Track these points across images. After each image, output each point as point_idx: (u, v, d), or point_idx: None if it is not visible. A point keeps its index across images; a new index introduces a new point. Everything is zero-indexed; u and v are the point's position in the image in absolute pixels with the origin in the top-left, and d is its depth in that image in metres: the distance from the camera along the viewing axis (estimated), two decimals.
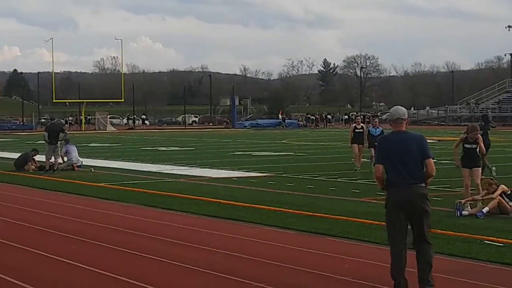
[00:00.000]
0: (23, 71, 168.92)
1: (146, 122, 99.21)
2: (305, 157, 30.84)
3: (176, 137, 55.81)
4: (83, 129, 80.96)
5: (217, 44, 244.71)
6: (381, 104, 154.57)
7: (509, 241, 10.63)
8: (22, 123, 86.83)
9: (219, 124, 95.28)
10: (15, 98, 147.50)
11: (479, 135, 14.28)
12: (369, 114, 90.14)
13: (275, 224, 12.60)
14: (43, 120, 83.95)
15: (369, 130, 23.71)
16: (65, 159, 25.08)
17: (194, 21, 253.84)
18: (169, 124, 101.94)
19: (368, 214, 13.38)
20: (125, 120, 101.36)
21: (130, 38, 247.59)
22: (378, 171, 7.82)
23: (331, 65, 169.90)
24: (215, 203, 15.51)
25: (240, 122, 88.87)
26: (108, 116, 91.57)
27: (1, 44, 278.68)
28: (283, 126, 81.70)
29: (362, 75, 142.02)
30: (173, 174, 22.98)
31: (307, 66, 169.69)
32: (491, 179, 14.03)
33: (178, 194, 17.05)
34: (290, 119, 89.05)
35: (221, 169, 24.49)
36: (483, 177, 14.66)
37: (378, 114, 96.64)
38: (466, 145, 14.08)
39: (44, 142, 24.66)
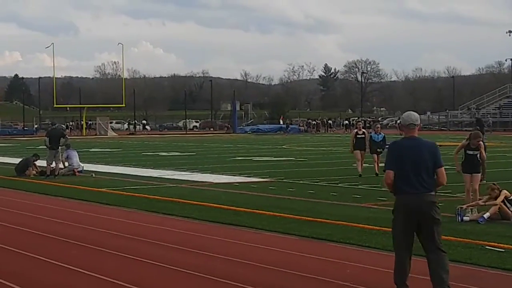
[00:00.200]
0: (24, 76, 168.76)
1: (147, 127, 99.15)
2: (306, 162, 30.83)
3: (177, 142, 55.83)
4: (84, 134, 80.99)
5: (217, 49, 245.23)
6: (382, 109, 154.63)
7: (511, 246, 10.62)
8: (23, 128, 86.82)
9: (220, 129, 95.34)
10: (16, 103, 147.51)
11: (481, 142, 14.39)
12: (370, 120, 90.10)
13: (276, 229, 12.59)
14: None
15: (371, 136, 23.67)
16: (66, 164, 25.09)
17: (194, 26, 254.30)
18: (170, 129, 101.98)
19: (369, 219, 13.37)
20: (126, 125, 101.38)
21: (130, 43, 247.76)
22: (388, 177, 7.63)
23: (332, 70, 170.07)
24: (216, 208, 15.50)
25: (241, 127, 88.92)
26: (114, 122, 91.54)
27: (2, 49, 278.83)
28: (285, 132, 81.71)
29: (363, 80, 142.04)
30: (174, 179, 22.98)
31: (308, 71, 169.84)
32: (494, 184, 14.04)
33: (179, 200, 17.05)
34: (291, 124, 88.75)
35: (222, 174, 24.49)
36: (484, 182, 14.70)
37: (379, 119, 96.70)
38: (468, 151, 14.16)
39: (45, 147, 24.68)
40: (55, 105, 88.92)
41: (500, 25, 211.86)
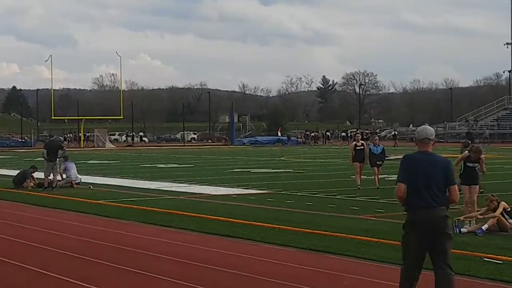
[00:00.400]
0: (22, 88, 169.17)
1: (145, 139, 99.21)
2: (304, 174, 30.84)
3: (175, 154, 55.82)
4: (82, 146, 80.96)
5: (215, 61, 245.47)
6: (380, 121, 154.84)
7: (509, 258, 10.62)
8: (21, 140, 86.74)
9: (218, 141, 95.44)
10: (14, 115, 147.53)
11: (482, 156, 14.55)
12: (368, 131, 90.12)
13: (274, 241, 12.58)
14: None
15: (370, 149, 23.61)
16: (64, 176, 25.08)
17: (193, 38, 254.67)
18: (168, 141, 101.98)
19: (367, 231, 13.36)
20: (123, 137, 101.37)
21: (129, 55, 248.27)
22: (400, 190, 7.48)
23: (330, 82, 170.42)
24: (214, 220, 15.49)
25: (239, 139, 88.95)
26: (117, 134, 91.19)
27: (0, 61, 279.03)
28: (283, 143, 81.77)
29: (361, 92, 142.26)
30: (172, 191, 22.96)
31: (306, 83, 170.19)
32: (492, 195, 14.07)
33: (177, 212, 17.03)
34: (289, 138, 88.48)
35: (220, 186, 24.48)
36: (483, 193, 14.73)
37: (377, 131, 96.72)
38: (468, 164, 14.23)
39: (42, 159, 24.67)
40: (53, 117, 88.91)
41: (498, 37, 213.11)
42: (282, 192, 22.00)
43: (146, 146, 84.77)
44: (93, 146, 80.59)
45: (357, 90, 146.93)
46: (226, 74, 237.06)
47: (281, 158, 47.11)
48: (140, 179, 28.45)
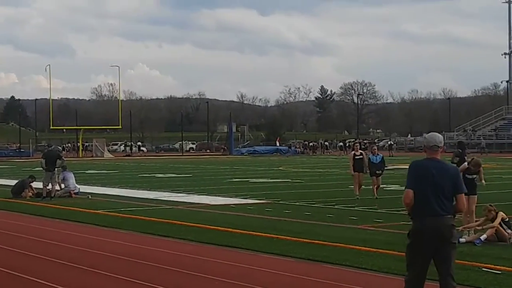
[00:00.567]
0: (20, 98, 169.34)
1: (143, 148, 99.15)
2: (302, 184, 30.83)
3: (173, 164, 55.82)
4: (81, 156, 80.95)
5: (214, 71, 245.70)
6: (378, 131, 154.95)
7: (507, 268, 10.62)
8: (18, 149, 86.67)
9: (216, 151, 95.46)
10: (12, 124, 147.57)
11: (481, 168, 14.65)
12: (366, 141, 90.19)
13: (272, 251, 12.57)
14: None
15: (369, 158, 23.56)
16: (62, 186, 25.07)
17: (191, 48, 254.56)
18: (166, 151, 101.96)
19: (365, 241, 13.36)
20: (122, 147, 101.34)
21: (127, 65, 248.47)
22: (407, 197, 7.31)
23: (328, 92, 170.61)
24: (213, 230, 15.48)
25: (237, 149, 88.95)
26: (119, 143, 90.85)
27: None
28: (282, 153, 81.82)
29: (359, 102, 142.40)
30: (170, 201, 22.96)
31: (304, 92, 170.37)
32: (490, 205, 14.09)
33: (176, 221, 17.03)
34: (290, 148, 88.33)
35: (219, 196, 24.48)
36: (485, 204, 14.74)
37: (375, 141, 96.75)
38: (467, 175, 14.22)
39: (41, 169, 24.67)
40: (51, 127, 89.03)
41: (495, 47, 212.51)
42: (281, 202, 22.00)
43: (145, 156, 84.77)
44: (92, 156, 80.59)
45: (355, 100, 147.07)
46: (225, 84, 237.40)
47: (280, 168, 47.12)
48: (139, 189, 28.45)
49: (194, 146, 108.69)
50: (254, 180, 33.94)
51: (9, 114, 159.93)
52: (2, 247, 13.62)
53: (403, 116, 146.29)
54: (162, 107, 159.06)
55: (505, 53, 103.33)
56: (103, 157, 79.41)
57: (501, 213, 13.71)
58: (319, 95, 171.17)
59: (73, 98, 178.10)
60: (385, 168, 24.45)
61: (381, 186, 23.63)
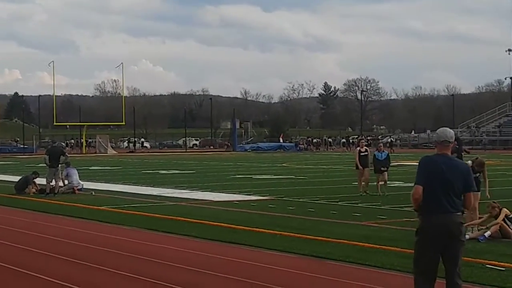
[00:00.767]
0: (24, 94, 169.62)
1: (146, 145, 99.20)
2: (306, 181, 30.82)
3: (177, 160, 55.84)
4: (84, 152, 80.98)
5: (217, 67, 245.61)
6: (381, 127, 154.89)
7: (511, 265, 10.60)
8: (22, 146, 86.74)
9: (219, 147, 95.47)
10: (16, 121, 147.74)
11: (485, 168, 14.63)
12: (369, 138, 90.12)
13: (275, 247, 12.57)
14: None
15: (374, 155, 23.50)
16: (66, 182, 25.10)
17: (194, 44, 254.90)
18: (170, 147, 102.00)
19: (369, 237, 13.35)
20: (125, 143, 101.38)
21: (130, 61, 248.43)
22: (417, 192, 7.13)
23: (332, 89, 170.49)
24: (216, 226, 15.49)
25: (241, 145, 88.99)
26: (127, 139, 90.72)
27: (1, 67, 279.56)
28: (285, 150, 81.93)
29: (362, 99, 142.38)
30: (174, 197, 22.96)
31: (308, 89, 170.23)
32: (494, 202, 14.07)
33: (179, 218, 17.03)
34: (297, 144, 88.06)
35: (222, 192, 24.48)
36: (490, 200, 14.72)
37: (379, 137, 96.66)
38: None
39: (44, 165, 24.70)
40: (55, 123, 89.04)
41: (499, 44, 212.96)
42: (284, 198, 21.99)
43: (148, 152, 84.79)
44: (95, 152, 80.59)
45: (359, 96, 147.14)
46: (228, 81, 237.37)
47: (283, 165, 47.11)
48: (142, 185, 28.46)
49: (197, 142, 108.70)
50: (258, 176, 33.94)
51: (12, 110, 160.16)
52: (6, 243, 13.64)
53: (407, 112, 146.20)
54: (166, 104, 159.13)
55: (509, 50, 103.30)
56: (107, 153, 79.42)
57: (504, 209, 13.69)
58: (323, 92, 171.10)
59: (77, 95, 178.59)
60: (390, 165, 24.28)
61: (381, 182, 23.33)
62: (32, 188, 24.77)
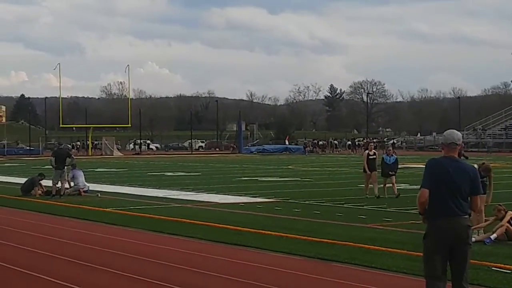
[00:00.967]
0: (30, 96, 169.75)
1: (152, 147, 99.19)
2: (312, 183, 30.81)
3: (183, 162, 55.88)
4: (90, 154, 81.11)
5: (223, 70, 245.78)
6: (387, 129, 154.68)
7: None
8: (29, 147, 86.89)
9: (225, 150, 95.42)
10: (22, 123, 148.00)
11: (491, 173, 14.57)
12: (375, 140, 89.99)
13: (281, 249, 12.57)
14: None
15: (383, 158, 23.37)
16: (72, 184, 25.13)
17: (200, 46, 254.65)
18: (176, 149, 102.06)
19: (375, 240, 13.34)
20: (131, 145, 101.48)
21: (136, 64, 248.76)
22: (423, 196, 7.06)
23: (338, 91, 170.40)
24: (221, 228, 15.49)
25: (247, 147, 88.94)
26: (134, 141, 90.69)
27: (8, 69, 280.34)
28: (291, 152, 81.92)
29: (368, 101, 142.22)
30: (179, 199, 22.98)
31: (314, 91, 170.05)
32: (500, 205, 14.05)
33: (185, 220, 17.04)
34: (305, 147, 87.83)
35: (228, 194, 24.49)
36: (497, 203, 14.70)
37: (385, 140, 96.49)
38: None
39: (51, 167, 24.75)
40: (61, 125, 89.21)
41: (505, 46, 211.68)
42: (290, 200, 21.99)
43: (154, 154, 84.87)
44: (101, 154, 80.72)
45: (365, 98, 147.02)
46: (234, 83, 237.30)
47: (289, 167, 47.10)
48: (148, 187, 28.49)
49: (203, 144, 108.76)
50: (263, 178, 33.94)
51: (19, 112, 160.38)
52: (12, 244, 13.66)
53: (413, 115, 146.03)
54: (172, 106, 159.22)
55: None
56: (113, 155, 79.54)
57: (510, 212, 13.68)
58: (329, 94, 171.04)
59: (83, 97, 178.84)
60: (398, 168, 24.01)
61: (389, 185, 23.19)
62: (38, 190, 24.82)
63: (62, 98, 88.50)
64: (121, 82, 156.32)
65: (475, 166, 14.31)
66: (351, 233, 14.47)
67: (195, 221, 16.66)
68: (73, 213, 19.31)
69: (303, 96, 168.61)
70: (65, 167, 24.46)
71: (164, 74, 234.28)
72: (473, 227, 13.43)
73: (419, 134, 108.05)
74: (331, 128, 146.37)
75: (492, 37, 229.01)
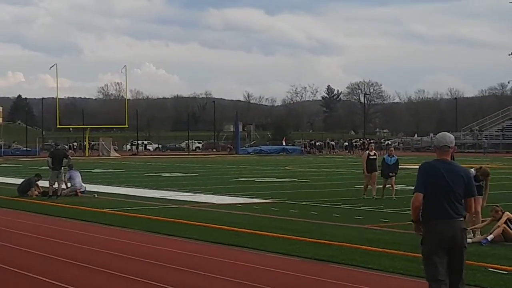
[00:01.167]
0: (27, 97, 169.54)
1: (149, 147, 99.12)
2: (309, 184, 30.81)
3: (180, 163, 55.86)
4: (87, 154, 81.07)
5: (220, 70, 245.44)
6: (384, 130, 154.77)
7: None
8: (25, 148, 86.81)
9: (222, 150, 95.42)
10: (19, 123, 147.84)
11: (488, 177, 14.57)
12: (372, 141, 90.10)
13: (278, 250, 12.57)
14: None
15: (383, 159, 23.33)
16: (69, 184, 25.12)
17: (197, 47, 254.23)
18: (173, 150, 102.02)
19: (371, 241, 13.35)
20: (128, 146, 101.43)
21: (134, 64, 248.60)
22: (417, 200, 7.08)
23: (335, 92, 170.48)
24: (219, 229, 15.49)
25: (244, 148, 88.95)
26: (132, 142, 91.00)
27: (5, 70, 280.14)
28: (287, 153, 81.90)
29: (365, 102, 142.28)
30: (176, 200, 22.97)
31: (311, 92, 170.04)
32: (497, 206, 14.06)
33: (182, 220, 17.04)
34: (305, 147, 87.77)
35: (225, 195, 24.48)
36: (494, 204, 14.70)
37: (382, 140, 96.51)
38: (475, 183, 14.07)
39: (47, 167, 24.73)
40: (58, 126, 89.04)
41: (503, 48, 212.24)
42: (287, 201, 21.99)
43: (151, 155, 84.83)
44: (98, 155, 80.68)
45: (362, 99, 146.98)
46: (231, 84, 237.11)
47: (286, 168, 47.10)
48: (145, 188, 28.48)
49: (200, 145, 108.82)
50: (260, 179, 33.94)
51: (16, 113, 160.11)
52: (8, 245, 13.65)
53: (410, 116, 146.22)
54: (169, 107, 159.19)
55: None
56: (110, 156, 79.50)
57: (506, 213, 13.69)
58: (326, 95, 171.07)
59: (80, 97, 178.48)
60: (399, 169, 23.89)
61: (388, 186, 23.19)
62: (35, 190, 24.79)
63: (59, 98, 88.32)
64: (118, 83, 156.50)
65: (473, 170, 14.29)
66: (348, 234, 14.48)
67: (192, 222, 16.66)
68: (70, 214, 19.30)
69: (300, 97, 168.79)
70: (62, 167, 24.44)
71: (161, 75, 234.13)
72: (469, 228, 13.51)
73: (416, 135, 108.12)
74: (328, 129, 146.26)
75: (490, 39, 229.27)
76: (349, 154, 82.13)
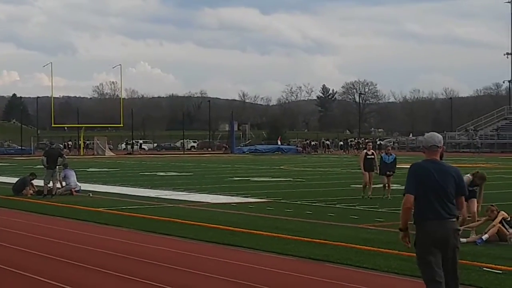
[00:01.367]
0: (22, 96, 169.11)
1: (144, 146, 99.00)
2: (304, 183, 30.82)
3: (175, 162, 55.82)
4: (82, 154, 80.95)
5: (215, 70, 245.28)
6: (379, 130, 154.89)
7: (508, 268, 10.61)
8: (20, 147, 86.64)
9: (218, 150, 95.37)
10: (14, 122, 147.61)
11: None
12: (367, 140, 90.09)
13: (273, 250, 12.57)
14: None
15: (381, 157, 23.34)
16: (64, 183, 25.08)
17: (193, 46, 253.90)
18: (168, 149, 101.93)
19: (366, 240, 13.36)
20: (123, 145, 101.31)
21: (129, 63, 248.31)
22: (408, 201, 7.07)
23: (330, 91, 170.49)
24: (213, 228, 15.48)
25: (239, 147, 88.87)
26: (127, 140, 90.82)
27: (0, 68, 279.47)
28: (283, 152, 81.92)
29: (360, 101, 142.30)
30: (171, 199, 22.95)
31: (306, 92, 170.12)
32: (492, 205, 14.08)
33: (177, 220, 17.03)
34: (304, 148, 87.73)
35: (220, 194, 24.47)
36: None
37: (377, 140, 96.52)
38: (469, 188, 14.01)
39: (42, 166, 24.69)
40: (53, 125, 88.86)
41: (498, 47, 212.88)
42: (282, 200, 21.99)
43: (146, 154, 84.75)
44: (93, 154, 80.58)
45: (357, 99, 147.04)
46: (226, 83, 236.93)
47: (281, 167, 47.11)
48: (140, 187, 28.45)
49: (195, 144, 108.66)
50: (256, 179, 33.94)
51: (10, 111, 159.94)
52: (3, 244, 13.62)
53: (405, 115, 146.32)
54: (164, 106, 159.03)
55: (507, 53, 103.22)
56: (105, 155, 79.41)
57: (502, 212, 13.71)
58: (321, 94, 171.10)
59: (75, 96, 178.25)
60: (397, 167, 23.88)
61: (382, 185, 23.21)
62: (30, 189, 24.75)
63: (54, 97, 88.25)
64: (113, 82, 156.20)
65: (469, 176, 14.24)
66: (343, 234, 14.49)
67: (187, 221, 16.65)
68: (64, 213, 19.27)
69: (295, 96, 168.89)
70: (57, 166, 24.41)
71: (156, 74, 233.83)
72: (463, 227, 13.51)
73: (411, 135, 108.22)
74: (323, 129, 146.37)
75: (485, 39, 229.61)
76: (344, 153, 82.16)
